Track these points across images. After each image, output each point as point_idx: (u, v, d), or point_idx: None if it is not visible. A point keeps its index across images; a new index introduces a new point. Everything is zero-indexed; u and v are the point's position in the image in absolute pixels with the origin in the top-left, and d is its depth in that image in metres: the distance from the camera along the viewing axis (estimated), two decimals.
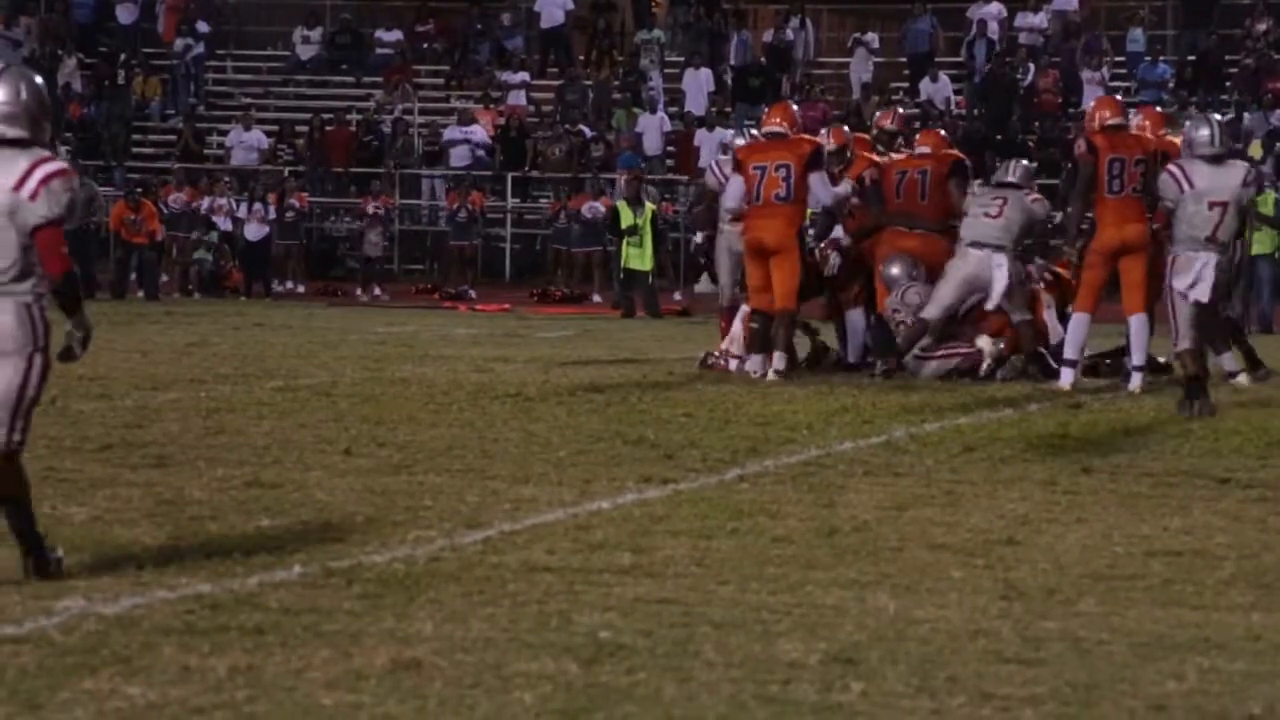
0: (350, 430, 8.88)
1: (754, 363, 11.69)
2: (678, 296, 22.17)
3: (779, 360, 11.45)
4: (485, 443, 8.52)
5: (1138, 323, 11.01)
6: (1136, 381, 11.01)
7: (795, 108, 12.61)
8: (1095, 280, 11.02)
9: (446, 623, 4.98)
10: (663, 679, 4.42)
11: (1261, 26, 26.76)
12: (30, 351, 5.51)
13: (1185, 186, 9.89)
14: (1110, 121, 11.24)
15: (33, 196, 5.38)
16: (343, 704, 4.20)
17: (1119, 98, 12.12)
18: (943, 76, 26.78)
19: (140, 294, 21.72)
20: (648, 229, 20.73)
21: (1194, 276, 9.75)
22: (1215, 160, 10.01)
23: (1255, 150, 22.36)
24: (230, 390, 10.21)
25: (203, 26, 29.81)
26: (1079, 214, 11.21)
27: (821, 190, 11.53)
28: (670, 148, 26.39)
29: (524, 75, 28.39)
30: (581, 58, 29.30)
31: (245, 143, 26.81)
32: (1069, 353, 11.11)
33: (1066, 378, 11.05)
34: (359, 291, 23.30)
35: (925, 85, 26.66)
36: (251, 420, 9.12)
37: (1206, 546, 6.21)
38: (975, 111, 25.89)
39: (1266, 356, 12.28)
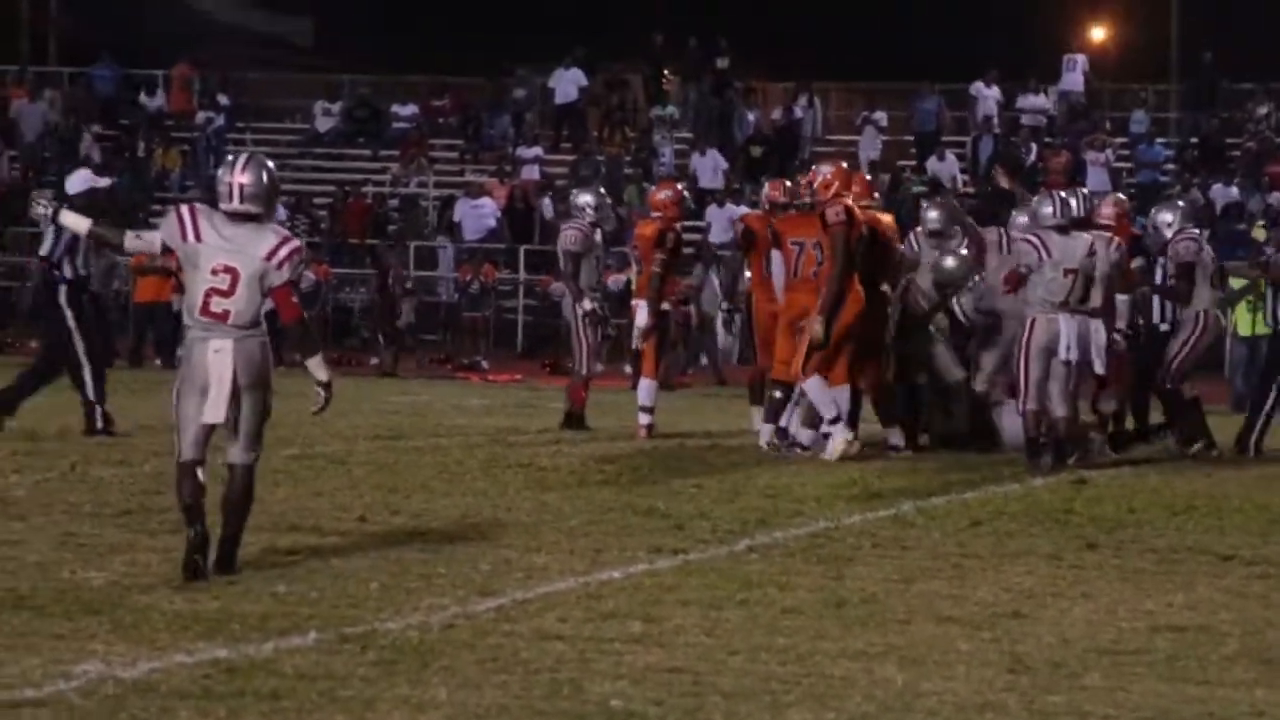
0: (365, 498, 8.98)
1: (766, 432, 11.74)
2: (688, 370, 22.30)
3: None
4: (498, 511, 8.61)
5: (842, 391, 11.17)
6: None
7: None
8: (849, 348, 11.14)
9: (460, 690, 5.05)
10: None
11: (1263, 110, 27.03)
12: (269, 383, 6.75)
13: (1044, 255, 10.92)
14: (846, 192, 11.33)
15: (280, 265, 6.67)
16: None
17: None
18: (949, 155, 27.05)
19: (157, 361, 21.83)
20: None
21: (1065, 339, 10.78)
22: (1062, 231, 10.97)
23: (1258, 233, 22.45)
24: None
25: (223, 99, 30.20)
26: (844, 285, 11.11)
27: None
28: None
29: (538, 150, 28.68)
30: (595, 133, 29.60)
31: None
32: (829, 412, 11.09)
33: (839, 435, 11.03)
34: (374, 360, 23.37)
35: (932, 163, 26.91)
36: (268, 488, 9.18)
37: (1210, 622, 6.28)
38: (987, 188, 26.08)
39: (1271, 435, 12.38)
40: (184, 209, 6.82)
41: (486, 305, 24.65)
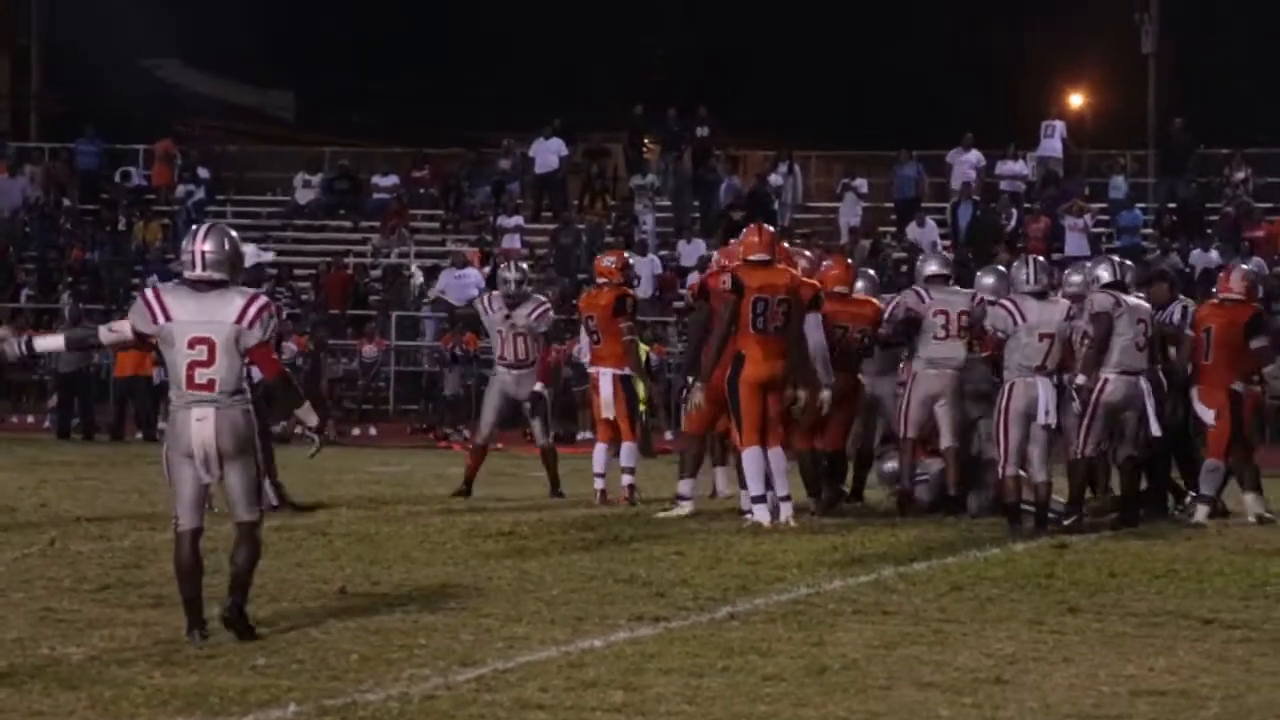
0: (346, 569, 8.97)
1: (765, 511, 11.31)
2: (670, 436, 22.32)
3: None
4: (479, 581, 8.60)
5: (777, 456, 10.98)
6: (787, 511, 10.99)
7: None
8: (754, 413, 10.90)
9: None
10: None
11: (1240, 175, 27.24)
12: (256, 447, 6.93)
13: (1018, 319, 10.98)
14: (754, 256, 11.13)
15: (250, 325, 6.85)
16: None
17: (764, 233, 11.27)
18: (929, 221, 27.21)
19: (139, 435, 21.78)
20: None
21: (1043, 404, 10.82)
22: (1040, 296, 11.09)
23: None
24: (227, 530, 10.22)
25: (203, 172, 30.32)
26: (722, 350, 10.96)
27: (815, 330, 11.56)
28: (659, 291, 26.70)
29: (518, 219, 28.81)
30: (575, 202, 29.76)
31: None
32: (754, 488, 10.96)
33: (760, 513, 10.90)
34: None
35: (912, 229, 27.07)
36: None
37: (1191, 687, 6.28)
38: (968, 255, 26.28)
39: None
40: (149, 293, 7.03)
41: (468, 374, 24.65)
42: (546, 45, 39.91)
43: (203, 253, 6.92)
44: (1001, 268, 12.28)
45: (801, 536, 10.58)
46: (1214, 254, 25.11)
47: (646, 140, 30.72)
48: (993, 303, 11.58)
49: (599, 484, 12.93)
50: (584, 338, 13.37)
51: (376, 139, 34.65)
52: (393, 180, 30.47)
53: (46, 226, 29.76)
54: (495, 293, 13.71)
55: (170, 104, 37.82)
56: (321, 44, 40.68)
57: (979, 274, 12.39)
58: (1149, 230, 27.13)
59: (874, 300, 12.50)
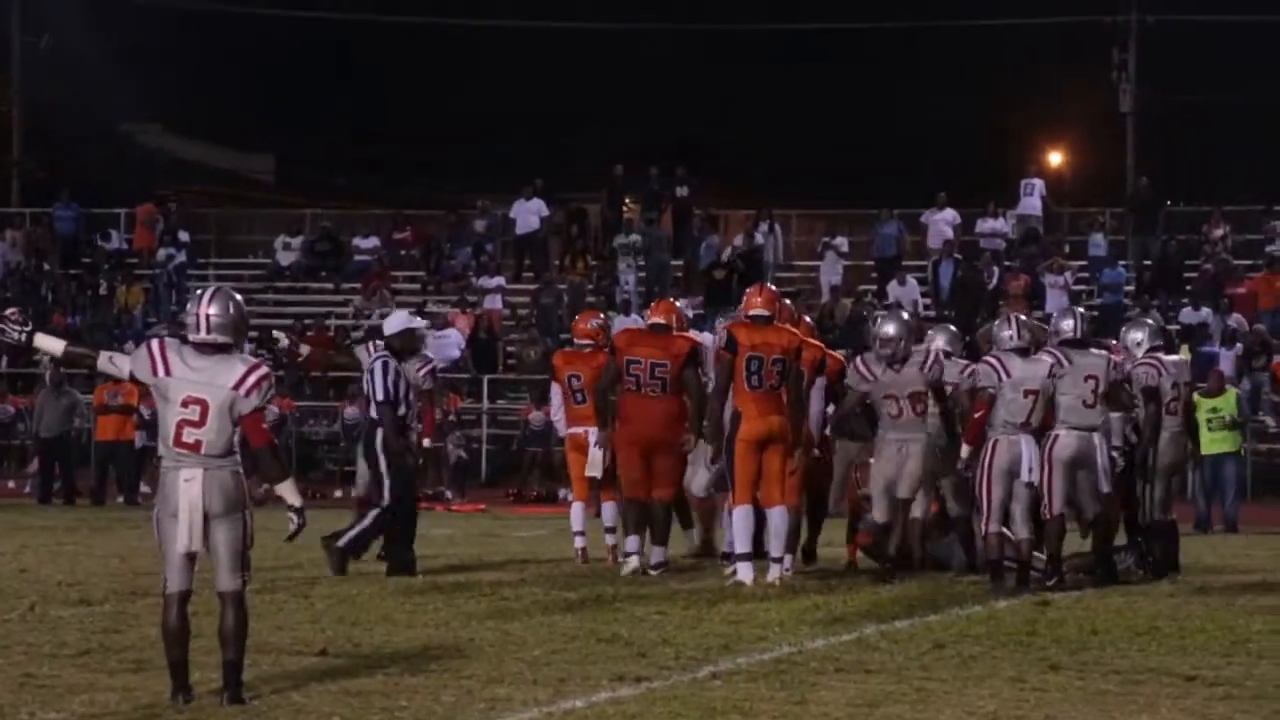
0: (327, 632, 8.94)
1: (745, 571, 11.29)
2: None
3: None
4: (460, 642, 8.58)
5: (777, 515, 10.98)
6: (775, 572, 10.96)
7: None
8: (748, 471, 10.91)
9: None
10: None
11: (1218, 232, 27.43)
12: (245, 509, 6.91)
13: (1003, 375, 11.02)
14: (754, 312, 11.14)
15: (248, 393, 6.87)
16: None
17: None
18: (910, 279, 27.33)
19: (120, 499, 21.70)
20: None
21: (1026, 461, 10.89)
22: (1023, 353, 11.10)
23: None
24: (208, 594, 10.19)
25: (184, 236, 30.37)
26: (719, 409, 10.99)
27: (816, 398, 11.52)
28: None
29: (500, 279, 28.89)
30: (556, 262, 29.85)
31: None
32: (741, 546, 10.94)
33: (744, 572, 10.90)
34: (338, 493, 23.23)
35: (893, 288, 27.19)
36: None
37: None
38: (946, 313, 26.37)
39: (1234, 556, 12.46)
40: (154, 343, 7.01)
41: (450, 434, 24.60)
42: (528, 107, 40.15)
43: (208, 316, 6.95)
44: (952, 327, 12.34)
45: (783, 595, 10.56)
46: (1204, 311, 25.21)
47: (627, 200, 30.88)
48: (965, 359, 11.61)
49: (580, 543, 12.91)
50: (556, 398, 13.33)
51: (358, 201, 34.77)
52: (374, 242, 30.55)
53: (28, 291, 29.75)
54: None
55: (151, 168, 37.93)
56: (301, 107, 40.89)
57: (930, 332, 12.37)
58: (1130, 287, 27.27)
59: (834, 354, 12.58)
